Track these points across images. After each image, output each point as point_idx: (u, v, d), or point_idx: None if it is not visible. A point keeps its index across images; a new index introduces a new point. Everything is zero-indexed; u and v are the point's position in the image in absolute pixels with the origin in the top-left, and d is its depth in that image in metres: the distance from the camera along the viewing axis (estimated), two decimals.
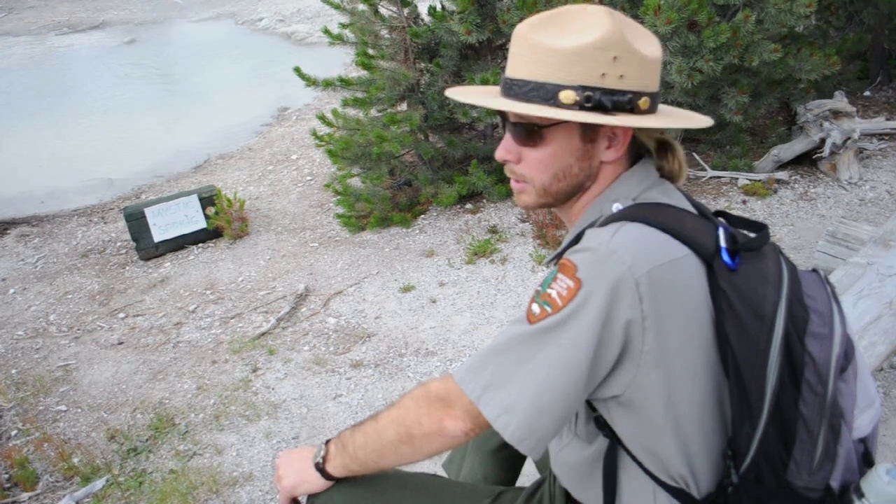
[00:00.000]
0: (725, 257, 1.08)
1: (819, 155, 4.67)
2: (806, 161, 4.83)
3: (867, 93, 6.10)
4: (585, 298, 1.02)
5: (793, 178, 4.70)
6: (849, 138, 4.57)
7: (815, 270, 1.20)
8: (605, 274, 1.02)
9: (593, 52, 1.08)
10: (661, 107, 1.21)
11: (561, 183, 1.18)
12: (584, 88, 1.08)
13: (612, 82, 1.09)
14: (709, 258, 1.08)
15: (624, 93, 1.10)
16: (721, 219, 1.21)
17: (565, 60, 1.09)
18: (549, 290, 1.06)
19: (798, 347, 1.05)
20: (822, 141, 4.63)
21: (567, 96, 1.09)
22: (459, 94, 1.25)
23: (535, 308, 1.07)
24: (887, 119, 5.32)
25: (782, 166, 4.82)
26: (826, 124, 4.64)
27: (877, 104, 5.84)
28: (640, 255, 1.03)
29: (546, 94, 1.10)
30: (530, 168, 1.19)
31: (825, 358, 1.06)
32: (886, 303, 2.48)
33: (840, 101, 4.77)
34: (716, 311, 1.06)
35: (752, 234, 1.16)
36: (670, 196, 1.19)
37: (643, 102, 1.12)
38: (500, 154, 1.20)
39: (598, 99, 1.09)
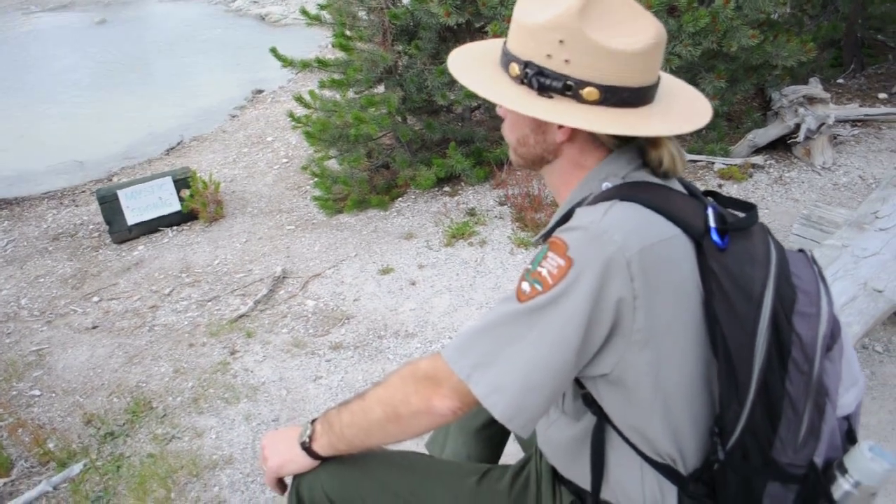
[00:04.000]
0: (715, 237, 1.08)
1: (794, 140, 4.73)
2: (781, 146, 4.88)
3: (840, 80, 6.17)
4: (576, 277, 1.02)
5: (768, 162, 4.75)
6: (823, 124, 4.63)
7: (801, 250, 1.22)
8: (596, 253, 1.02)
9: (541, 32, 1.09)
10: (664, 98, 1.17)
11: (524, 148, 1.24)
12: (528, 64, 1.11)
13: (556, 65, 1.09)
14: (698, 237, 1.08)
15: (561, 77, 1.09)
16: (710, 198, 1.22)
17: (522, 34, 1.13)
18: (539, 269, 1.06)
19: (785, 326, 1.06)
20: (797, 126, 4.68)
21: (513, 68, 1.14)
22: (455, 59, 1.25)
23: (525, 286, 1.07)
24: (861, 106, 5.39)
25: (758, 151, 4.87)
26: (801, 110, 4.69)
27: (850, 91, 5.91)
28: (632, 234, 1.03)
29: (506, 62, 1.16)
30: (507, 127, 1.27)
31: (812, 337, 1.07)
32: (861, 284, 2.53)
33: (815, 88, 4.83)
34: (705, 290, 1.07)
35: (741, 214, 1.17)
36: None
37: (588, 93, 1.08)
38: (497, 110, 1.27)
39: (531, 77, 1.10)
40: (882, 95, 5.75)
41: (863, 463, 1.10)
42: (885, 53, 6.71)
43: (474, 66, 1.22)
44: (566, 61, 1.08)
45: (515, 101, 1.12)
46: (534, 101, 1.11)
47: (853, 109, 5.19)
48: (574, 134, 1.17)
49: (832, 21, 5.79)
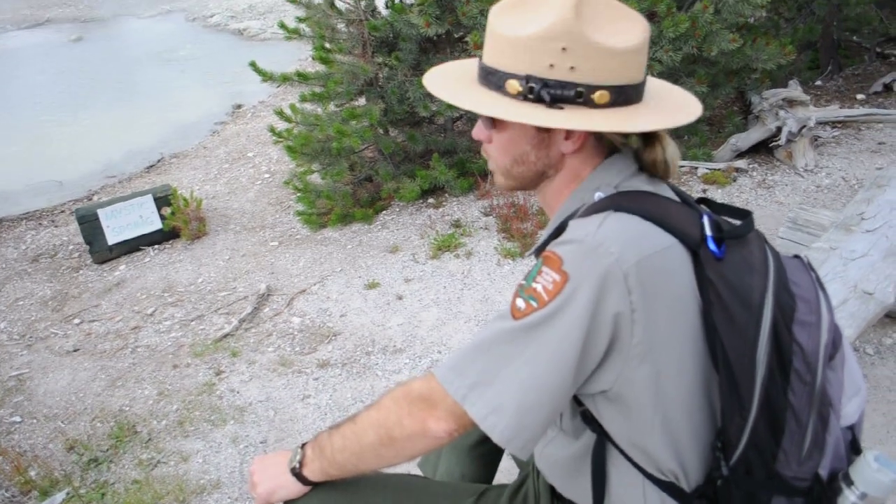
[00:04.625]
0: (712, 246, 1.06)
1: (775, 143, 4.74)
2: (763, 149, 4.90)
3: (818, 82, 6.22)
4: (572, 292, 0.99)
5: (751, 166, 4.76)
6: (804, 126, 4.65)
7: (797, 256, 1.19)
8: (592, 266, 0.99)
9: (539, 43, 1.04)
10: (653, 95, 1.15)
11: (521, 167, 1.18)
12: (529, 79, 1.05)
13: (561, 74, 1.04)
14: (695, 247, 1.05)
15: (570, 85, 1.05)
16: (704, 206, 1.19)
17: (514, 49, 1.06)
18: (533, 284, 1.03)
19: (786, 336, 1.04)
20: (779, 129, 4.70)
21: (511, 86, 1.07)
22: (436, 83, 1.20)
23: (520, 303, 1.03)
24: (840, 107, 5.42)
25: (740, 155, 4.88)
26: (782, 113, 4.71)
27: (828, 93, 5.96)
28: (628, 245, 1.00)
29: (498, 81, 1.09)
30: (495, 150, 1.20)
31: (813, 346, 1.05)
32: (851, 286, 2.52)
33: (794, 90, 4.85)
34: (703, 300, 1.04)
35: (736, 222, 1.15)
36: (652, 183, 1.17)
37: (599, 97, 1.05)
38: (474, 133, 1.22)
39: (539, 91, 1.05)
40: (860, 96, 5.80)
41: (868, 474, 1.07)
42: (862, 55, 6.78)
43: (464, 88, 1.16)
44: (571, 68, 1.04)
45: (535, 118, 1.05)
46: (545, 114, 1.05)
47: (833, 111, 5.22)
48: (583, 142, 1.14)
49: (808, 23, 5.83)
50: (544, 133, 1.12)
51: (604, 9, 1.07)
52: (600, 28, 1.05)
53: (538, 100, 1.06)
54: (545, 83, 1.05)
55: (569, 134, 1.12)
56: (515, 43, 1.06)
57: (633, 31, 1.07)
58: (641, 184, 1.13)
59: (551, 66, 1.04)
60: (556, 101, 1.05)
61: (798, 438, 1.04)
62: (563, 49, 1.03)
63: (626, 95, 1.07)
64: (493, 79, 1.10)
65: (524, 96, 1.06)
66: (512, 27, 1.07)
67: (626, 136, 1.16)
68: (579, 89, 1.04)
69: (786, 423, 1.04)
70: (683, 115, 1.12)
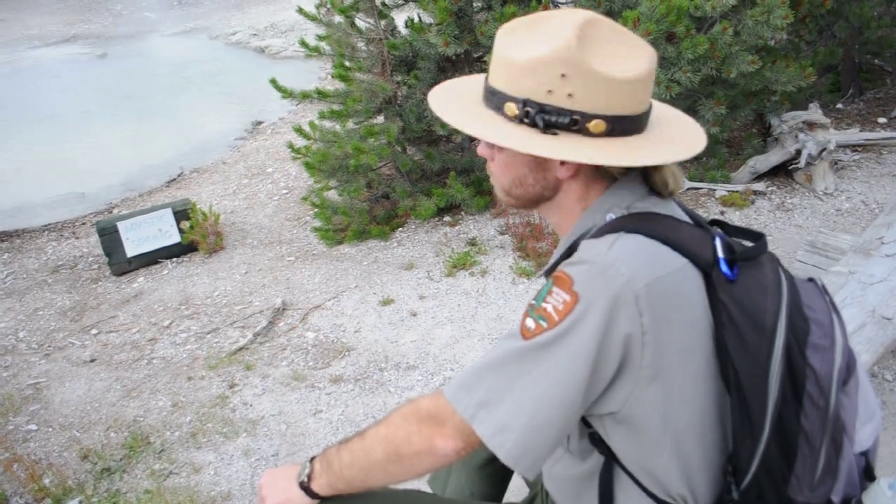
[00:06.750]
0: (724, 268, 1.05)
1: (795, 166, 4.71)
2: (782, 172, 4.87)
3: (839, 105, 6.18)
4: (583, 313, 0.99)
5: (769, 188, 4.73)
6: (824, 149, 4.62)
7: (812, 279, 1.18)
8: (603, 287, 0.99)
9: (540, 68, 1.03)
10: (657, 123, 1.14)
11: (519, 189, 1.19)
12: (526, 103, 1.05)
13: (559, 100, 1.04)
14: (707, 269, 1.05)
15: (566, 112, 1.04)
16: (717, 228, 1.19)
17: (516, 72, 1.06)
18: (544, 304, 1.03)
19: (799, 360, 1.03)
20: (798, 152, 4.67)
21: (510, 108, 1.07)
22: (438, 99, 1.20)
23: (530, 323, 1.03)
24: (861, 131, 5.39)
25: (759, 177, 4.86)
26: (801, 135, 4.69)
27: (849, 116, 5.92)
28: (639, 267, 1.00)
29: (498, 102, 1.09)
30: (497, 169, 1.21)
31: (827, 370, 1.04)
32: (869, 311, 2.49)
33: (815, 113, 4.82)
34: (715, 323, 1.04)
35: (748, 243, 1.14)
36: (664, 205, 1.16)
37: (595, 126, 1.04)
38: (479, 150, 1.23)
39: (534, 116, 1.05)
40: (882, 120, 5.76)
41: (883, 501, 1.06)
42: (883, 78, 6.74)
43: (462, 107, 1.16)
44: (569, 95, 1.03)
45: (524, 143, 1.05)
46: (540, 139, 1.05)
47: (854, 134, 5.18)
48: (578, 168, 1.13)
49: (829, 46, 5.80)
50: (540, 157, 1.10)
51: (609, 36, 1.06)
52: (603, 56, 1.04)
53: (533, 124, 1.05)
54: (541, 108, 1.04)
55: (564, 160, 1.11)
56: (516, 66, 1.06)
57: (637, 61, 1.06)
58: (653, 205, 1.13)
59: (549, 91, 1.04)
60: (550, 127, 1.05)
61: (810, 463, 1.03)
62: (563, 76, 1.03)
63: (623, 126, 1.06)
64: (494, 100, 1.10)
65: (520, 120, 1.06)
66: (515, 50, 1.07)
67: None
68: (574, 117, 1.04)
69: (798, 448, 1.03)
70: (683, 149, 1.10)
